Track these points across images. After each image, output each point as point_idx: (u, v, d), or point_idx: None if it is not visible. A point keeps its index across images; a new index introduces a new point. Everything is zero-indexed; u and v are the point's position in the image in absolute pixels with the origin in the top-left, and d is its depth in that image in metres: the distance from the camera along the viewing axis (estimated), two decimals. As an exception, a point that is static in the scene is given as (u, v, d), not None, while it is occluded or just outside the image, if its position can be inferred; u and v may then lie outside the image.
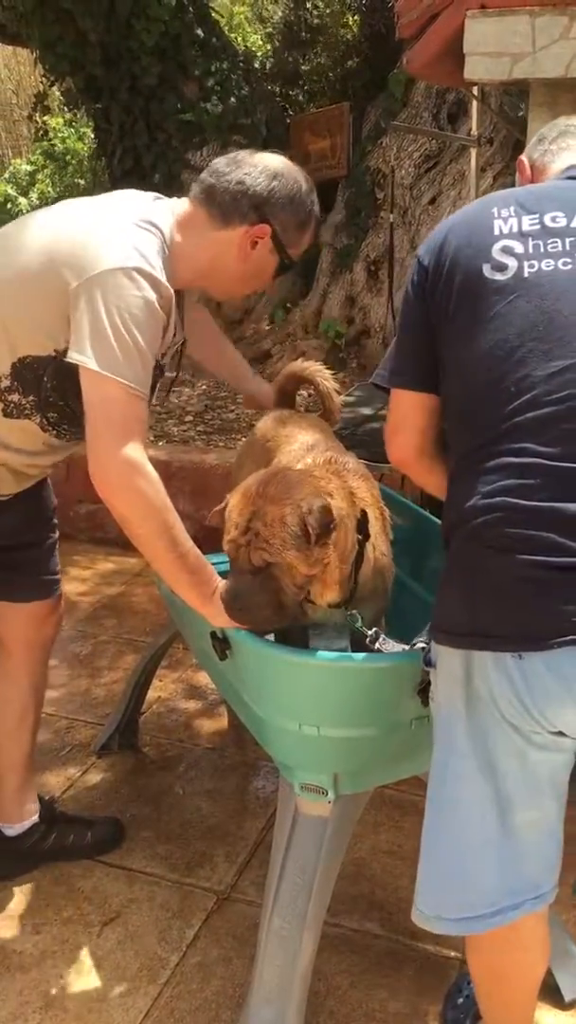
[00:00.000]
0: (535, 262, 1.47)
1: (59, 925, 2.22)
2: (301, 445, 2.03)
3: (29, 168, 14.06)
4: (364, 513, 1.77)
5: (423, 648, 1.63)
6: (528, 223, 1.50)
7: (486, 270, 1.48)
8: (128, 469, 1.65)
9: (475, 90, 4.36)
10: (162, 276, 1.71)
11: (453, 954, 2.11)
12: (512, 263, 1.48)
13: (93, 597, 4.17)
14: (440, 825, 1.52)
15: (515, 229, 1.51)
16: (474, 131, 4.89)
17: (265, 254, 1.88)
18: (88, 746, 2.94)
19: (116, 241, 1.70)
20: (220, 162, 1.87)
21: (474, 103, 4.78)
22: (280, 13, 9.80)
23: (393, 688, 1.68)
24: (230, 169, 1.84)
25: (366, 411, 4.04)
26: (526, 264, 1.47)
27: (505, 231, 1.51)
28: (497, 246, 1.49)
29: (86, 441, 1.70)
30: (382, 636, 1.82)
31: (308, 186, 1.90)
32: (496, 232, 1.51)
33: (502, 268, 1.48)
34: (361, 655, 1.71)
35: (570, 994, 1.99)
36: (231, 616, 1.68)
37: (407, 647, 1.80)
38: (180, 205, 1.87)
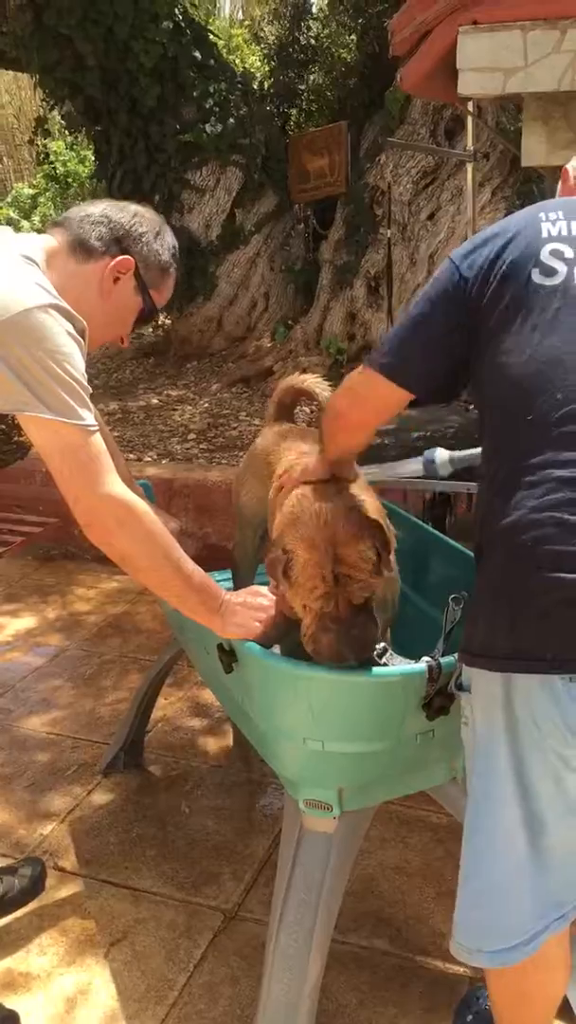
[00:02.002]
0: None
1: (66, 946, 2.20)
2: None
3: (31, 192, 14.20)
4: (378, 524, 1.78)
5: (429, 663, 1.62)
6: None
7: (535, 275, 1.42)
8: (120, 506, 1.61)
9: (470, 105, 4.38)
10: (71, 308, 1.63)
11: (463, 970, 2.09)
12: (562, 268, 1.42)
13: (98, 616, 4.17)
14: (478, 855, 1.49)
15: (563, 232, 1.45)
16: (470, 146, 4.90)
17: (128, 292, 1.81)
18: (93, 765, 2.93)
19: (17, 281, 1.60)
20: (80, 204, 1.84)
21: (469, 118, 4.81)
22: (275, 34, 9.88)
23: (398, 703, 1.66)
24: (91, 206, 1.81)
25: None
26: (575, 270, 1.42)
27: (554, 234, 1.45)
28: (546, 249, 1.44)
29: (62, 492, 1.62)
30: (389, 651, 1.82)
31: (171, 234, 1.87)
32: (544, 235, 1.45)
33: (551, 273, 1.42)
34: (367, 668, 1.70)
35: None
36: (339, 662, 1.64)
37: (413, 663, 1.80)
38: (45, 240, 1.77)
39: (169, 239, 1.87)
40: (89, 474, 1.59)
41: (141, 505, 1.63)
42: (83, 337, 1.65)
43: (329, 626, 1.63)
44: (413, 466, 2.08)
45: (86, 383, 1.61)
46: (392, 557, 1.86)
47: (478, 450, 1.91)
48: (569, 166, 1.73)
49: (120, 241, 1.77)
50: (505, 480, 1.41)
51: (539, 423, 1.37)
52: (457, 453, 2.09)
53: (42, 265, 1.70)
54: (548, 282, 1.42)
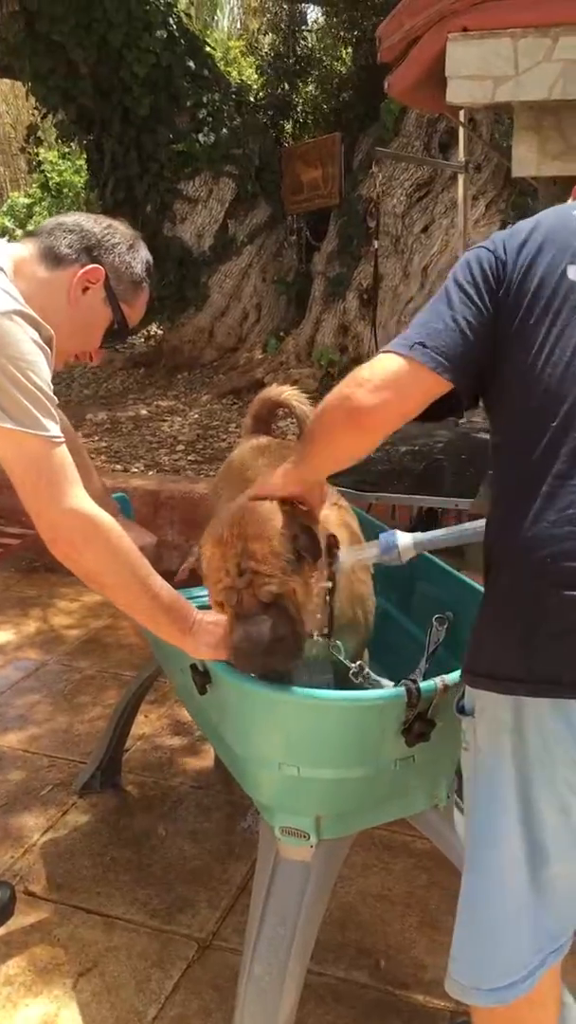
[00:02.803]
0: None
1: (33, 975, 2.12)
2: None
3: (27, 201, 14.19)
4: (333, 538, 1.71)
5: (408, 687, 1.55)
6: None
7: (571, 272, 1.36)
8: (85, 521, 1.55)
9: (462, 115, 4.34)
10: (37, 316, 1.59)
11: (443, 1004, 2.02)
12: None
13: (79, 630, 4.09)
14: (477, 888, 1.43)
15: None
16: (461, 157, 4.86)
17: (97, 303, 1.75)
18: (69, 785, 2.85)
19: None
20: (56, 216, 1.81)
21: (461, 129, 4.77)
22: (270, 45, 9.89)
23: (377, 727, 1.60)
24: (65, 216, 1.79)
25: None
26: None
27: None
28: None
29: (25, 506, 1.57)
30: (366, 669, 1.75)
31: (146, 250, 1.83)
32: None
33: None
34: (343, 692, 1.64)
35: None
36: (248, 669, 1.57)
37: (392, 684, 1.74)
38: (15, 249, 1.72)
39: (143, 254, 1.82)
40: (53, 487, 1.53)
41: (107, 520, 1.57)
42: (50, 346, 1.59)
43: (234, 624, 1.57)
44: (371, 551, 1.76)
45: (51, 393, 1.55)
46: (364, 572, 1.78)
47: (447, 530, 1.79)
48: None
49: (90, 250, 1.73)
50: (521, 491, 1.34)
51: (564, 429, 1.31)
52: (421, 536, 1.77)
53: (9, 272, 1.65)
54: None
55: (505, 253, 1.41)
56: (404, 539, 1.70)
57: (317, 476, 1.64)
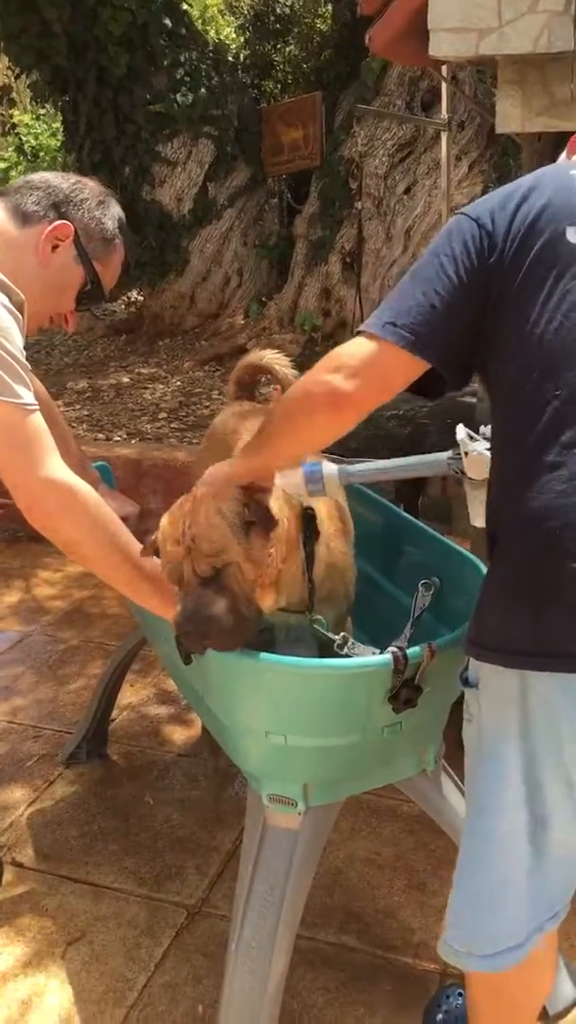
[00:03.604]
0: None
1: (22, 945, 2.12)
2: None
3: (2, 165, 13.96)
4: (310, 512, 1.67)
5: (395, 653, 1.54)
6: None
7: (570, 233, 1.30)
8: (63, 490, 1.51)
9: (444, 70, 4.26)
10: (7, 280, 1.55)
11: (432, 967, 2.03)
12: None
13: (63, 601, 4.07)
14: (476, 856, 1.43)
15: None
16: (444, 113, 4.77)
17: (68, 262, 1.69)
18: (55, 756, 2.84)
19: None
20: (24, 175, 1.76)
21: (443, 84, 4.68)
22: (250, 4, 9.69)
23: (363, 694, 1.59)
24: (34, 174, 1.74)
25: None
26: None
27: None
28: None
29: (0, 474, 1.53)
30: (351, 640, 1.74)
31: (118, 207, 1.78)
32: None
33: None
34: (329, 660, 1.62)
35: (555, 1007, 1.91)
36: (191, 648, 1.56)
37: (377, 651, 1.72)
38: None
39: (114, 209, 1.77)
40: (28, 456, 1.49)
41: (85, 489, 1.54)
42: (21, 312, 1.54)
43: (180, 595, 1.55)
44: (293, 480, 1.61)
45: (24, 359, 1.51)
46: (344, 544, 1.75)
47: (379, 463, 1.72)
48: None
49: (58, 207, 1.68)
50: (527, 461, 1.30)
51: (567, 398, 1.27)
52: (351, 467, 1.60)
53: None
54: None
55: (492, 222, 1.35)
56: (329, 468, 1.60)
57: (277, 464, 1.58)
